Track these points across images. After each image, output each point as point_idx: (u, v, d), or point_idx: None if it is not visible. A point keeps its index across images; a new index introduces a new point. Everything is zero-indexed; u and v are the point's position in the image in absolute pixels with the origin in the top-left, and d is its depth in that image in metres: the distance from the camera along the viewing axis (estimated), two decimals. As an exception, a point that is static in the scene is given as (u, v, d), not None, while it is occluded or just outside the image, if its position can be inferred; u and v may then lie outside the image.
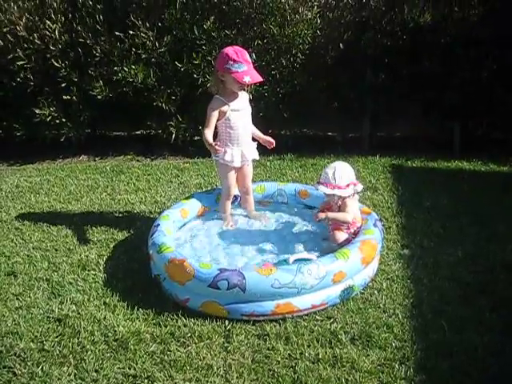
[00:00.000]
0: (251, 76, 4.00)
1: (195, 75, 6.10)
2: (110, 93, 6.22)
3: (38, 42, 6.07)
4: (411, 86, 6.28)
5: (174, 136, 6.41)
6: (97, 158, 6.74)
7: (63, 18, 6.09)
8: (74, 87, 6.26)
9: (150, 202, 5.18)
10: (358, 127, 6.90)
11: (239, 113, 4.17)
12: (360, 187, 3.95)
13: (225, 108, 4.11)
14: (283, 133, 6.91)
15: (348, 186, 3.87)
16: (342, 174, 3.86)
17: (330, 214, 3.91)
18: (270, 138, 4.40)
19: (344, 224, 3.92)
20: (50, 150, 6.72)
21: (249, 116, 4.30)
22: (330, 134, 7.30)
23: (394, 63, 6.29)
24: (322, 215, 3.89)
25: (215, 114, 4.12)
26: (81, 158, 6.78)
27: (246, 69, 3.97)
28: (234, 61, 3.94)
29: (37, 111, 6.20)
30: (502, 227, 4.39)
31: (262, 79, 4.11)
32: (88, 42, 6.09)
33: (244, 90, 4.26)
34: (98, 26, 6.06)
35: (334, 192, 3.86)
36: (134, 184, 5.71)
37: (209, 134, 4.11)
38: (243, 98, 4.24)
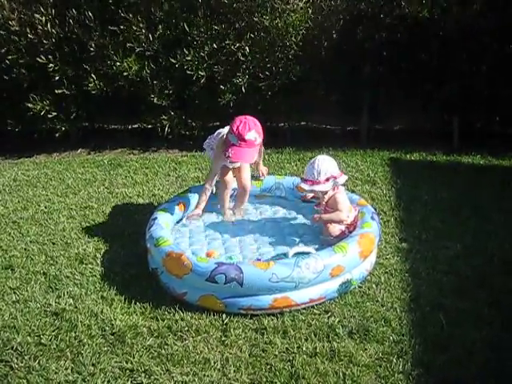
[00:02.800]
0: (235, 154, 3.98)
1: (188, 71, 6.07)
2: (104, 87, 6.20)
3: (31, 37, 6.03)
4: (410, 79, 6.26)
5: (167, 129, 6.40)
6: (94, 152, 6.72)
7: (53, 11, 6.04)
8: (67, 82, 6.23)
9: (147, 195, 5.17)
10: (356, 120, 6.88)
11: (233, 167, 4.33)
12: (343, 179, 3.94)
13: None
14: (281, 126, 6.90)
15: (328, 179, 3.84)
16: (320, 168, 3.83)
17: (324, 216, 3.90)
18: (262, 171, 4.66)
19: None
20: (47, 143, 6.70)
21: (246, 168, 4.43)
22: (328, 127, 7.28)
23: (393, 56, 6.26)
24: (316, 218, 3.90)
25: (216, 167, 4.25)
26: (78, 151, 6.76)
27: (236, 144, 3.96)
28: (232, 131, 3.98)
29: (29, 105, 6.16)
30: (501, 221, 4.38)
31: (244, 162, 4.21)
32: (81, 36, 6.07)
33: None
34: (89, 22, 6.04)
35: (312, 188, 3.87)
36: (131, 177, 5.70)
37: (208, 186, 4.25)
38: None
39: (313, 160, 3.93)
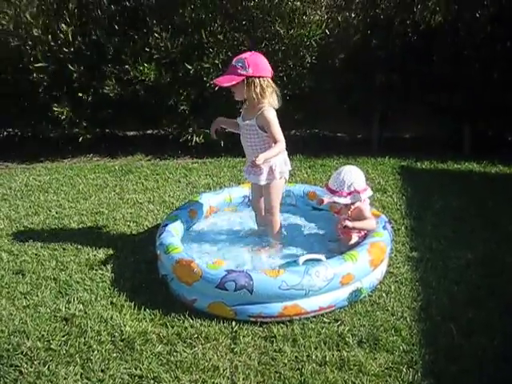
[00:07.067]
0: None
1: (204, 78, 6.09)
2: (121, 91, 6.22)
3: (52, 43, 6.10)
4: (421, 86, 6.25)
5: (186, 136, 6.42)
6: (106, 158, 6.75)
7: (78, 22, 6.17)
8: (85, 86, 6.29)
9: (158, 201, 5.18)
10: (367, 128, 6.88)
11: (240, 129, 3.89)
12: (366, 195, 3.85)
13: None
14: (292, 133, 6.90)
15: (350, 193, 3.78)
16: (345, 180, 3.78)
17: (357, 224, 3.80)
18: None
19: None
20: (59, 148, 6.75)
21: (246, 135, 3.80)
22: (339, 134, 7.28)
23: (404, 64, 6.26)
24: (350, 224, 3.76)
25: None
26: (90, 157, 6.79)
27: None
28: None
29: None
30: (512, 230, 4.36)
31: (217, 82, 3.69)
32: (101, 40, 6.14)
33: (249, 101, 3.72)
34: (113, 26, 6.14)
35: (332, 198, 3.84)
36: (142, 183, 5.71)
37: None
38: (249, 113, 3.78)
39: (340, 169, 3.88)
